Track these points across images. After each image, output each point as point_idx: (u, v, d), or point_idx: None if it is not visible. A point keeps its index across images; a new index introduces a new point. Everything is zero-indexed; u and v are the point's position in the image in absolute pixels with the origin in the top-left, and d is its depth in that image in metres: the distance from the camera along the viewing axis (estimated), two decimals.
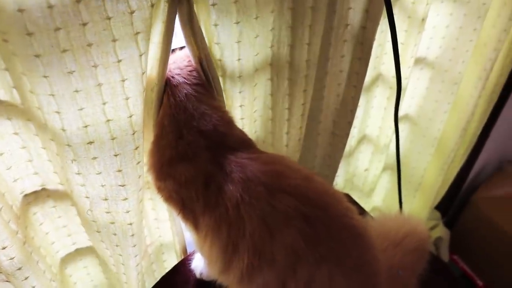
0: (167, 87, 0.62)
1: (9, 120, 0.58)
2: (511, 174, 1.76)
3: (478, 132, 1.42)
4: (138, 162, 0.63)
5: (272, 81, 0.76)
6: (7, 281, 0.64)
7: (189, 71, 0.64)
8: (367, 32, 0.81)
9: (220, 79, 0.69)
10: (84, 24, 0.47)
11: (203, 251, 0.64)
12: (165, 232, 0.89)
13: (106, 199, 0.64)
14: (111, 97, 0.54)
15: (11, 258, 0.62)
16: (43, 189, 0.68)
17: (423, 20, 0.91)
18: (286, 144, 0.86)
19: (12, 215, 0.62)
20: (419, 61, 1.08)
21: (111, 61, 0.52)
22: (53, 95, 0.51)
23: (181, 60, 0.65)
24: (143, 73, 0.55)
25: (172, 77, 0.62)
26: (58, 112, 0.53)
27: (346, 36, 0.81)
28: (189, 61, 0.64)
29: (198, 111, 0.61)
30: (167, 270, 0.88)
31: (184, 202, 0.61)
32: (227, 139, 0.62)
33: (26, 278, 0.66)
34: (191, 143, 0.59)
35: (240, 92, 0.72)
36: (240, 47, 0.67)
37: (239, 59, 0.68)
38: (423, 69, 1.10)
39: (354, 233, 0.60)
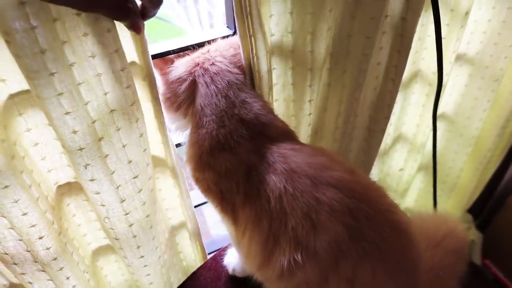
0: (205, 74, 0.61)
1: (43, 112, 0.58)
2: None
3: None
4: (144, 150, 0.63)
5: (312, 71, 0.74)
6: (42, 270, 0.64)
7: (232, 60, 0.63)
8: (407, 23, 0.78)
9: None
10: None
11: (241, 245, 0.63)
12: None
13: (123, 201, 0.64)
14: (111, 86, 0.54)
15: (47, 248, 0.62)
16: (76, 182, 0.68)
17: (467, 13, 0.87)
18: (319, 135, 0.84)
19: (48, 205, 0.62)
20: (458, 57, 1.03)
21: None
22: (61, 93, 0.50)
23: (224, 48, 0.64)
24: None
25: (213, 64, 0.61)
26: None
27: (385, 27, 0.78)
28: (233, 50, 0.64)
29: (239, 98, 0.60)
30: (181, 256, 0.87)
31: (223, 193, 0.59)
32: (269, 129, 0.60)
33: (61, 269, 0.66)
34: (233, 132, 0.58)
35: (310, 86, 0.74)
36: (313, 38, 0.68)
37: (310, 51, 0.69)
38: (462, 66, 1.06)
39: (398, 229, 0.58)
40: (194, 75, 0.62)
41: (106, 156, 0.58)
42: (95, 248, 0.77)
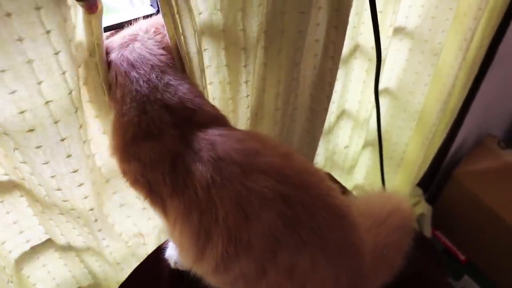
0: (123, 63, 0.55)
1: None
2: (491, 148, 1.76)
3: (459, 106, 1.39)
4: (85, 141, 0.57)
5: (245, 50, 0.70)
6: None
7: (156, 42, 0.58)
8: None
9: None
10: None
11: (174, 238, 0.59)
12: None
13: (59, 189, 0.58)
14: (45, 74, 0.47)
15: None
16: None
17: None
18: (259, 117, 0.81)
19: None
20: (398, 31, 1.03)
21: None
22: None
23: (146, 29, 0.59)
24: (70, 41, 0.49)
25: (132, 49, 0.56)
26: None
27: (320, 3, 0.75)
28: (156, 30, 0.59)
29: (162, 82, 0.55)
30: None
31: (151, 185, 0.55)
32: (196, 115, 0.56)
33: None
34: (156, 119, 0.53)
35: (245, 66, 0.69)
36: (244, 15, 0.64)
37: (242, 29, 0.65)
38: (402, 40, 1.05)
39: (338, 214, 0.56)
40: (112, 63, 0.56)
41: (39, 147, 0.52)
42: (17, 256, 0.70)
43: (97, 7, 0.48)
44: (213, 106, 0.60)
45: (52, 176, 0.56)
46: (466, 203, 1.70)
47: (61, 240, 0.71)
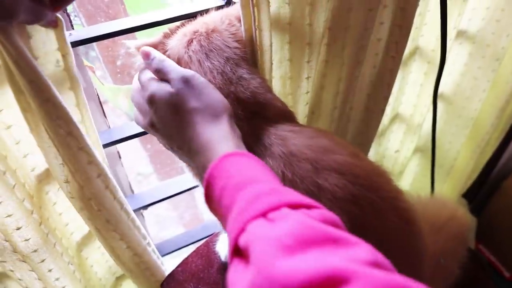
0: (200, 51, 0.56)
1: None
2: None
3: None
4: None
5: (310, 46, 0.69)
6: (23, 261, 0.60)
7: (230, 33, 0.58)
8: None
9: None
10: None
11: None
12: None
13: None
14: None
15: (26, 240, 0.58)
16: None
17: None
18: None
19: (25, 193, 0.57)
20: (459, 34, 1.00)
21: None
22: None
23: (220, 20, 0.59)
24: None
25: (208, 39, 0.56)
26: None
27: (386, 1, 0.73)
28: (230, 22, 0.59)
29: (236, 74, 0.55)
30: None
31: None
32: (266, 109, 0.56)
33: (42, 261, 0.61)
34: None
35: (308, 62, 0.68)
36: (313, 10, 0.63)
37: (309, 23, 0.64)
38: (463, 43, 1.02)
39: (405, 218, 0.54)
40: (188, 52, 0.56)
41: None
42: (78, 239, 0.72)
43: (56, 23, 0.49)
44: (282, 102, 0.60)
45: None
46: None
47: None
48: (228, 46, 0.56)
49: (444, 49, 0.80)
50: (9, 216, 0.55)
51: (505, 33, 0.96)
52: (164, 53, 0.57)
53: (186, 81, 0.51)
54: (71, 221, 0.69)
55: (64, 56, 0.54)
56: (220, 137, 0.47)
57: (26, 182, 0.58)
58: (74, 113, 0.59)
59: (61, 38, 0.52)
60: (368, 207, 0.50)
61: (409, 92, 1.03)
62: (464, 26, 0.99)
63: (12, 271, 0.61)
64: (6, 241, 0.57)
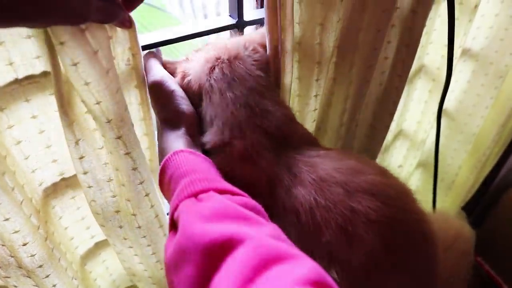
0: (222, 79, 0.55)
1: (27, 102, 0.52)
2: None
3: None
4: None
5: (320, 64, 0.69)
6: (28, 276, 0.59)
7: (254, 61, 0.57)
8: (417, 16, 0.74)
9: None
10: None
11: None
12: None
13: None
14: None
15: (32, 255, 0.57)
16: (62, 179, 0.63)
17: (476, 7, 0.84)
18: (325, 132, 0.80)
19: (32, 209, 0.57)
20: (463, 52, 1.00)
21: None
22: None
23: (243, 45, 0.58)
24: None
25: (231, 66, 0.55)
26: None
27: (394, 20, 0.74)
28: (254, 48, 0.58)
29: (260, 107, 0.54)
30: None
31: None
32: (291, 139, 0.55)
33: (47, 276, 0.60)
34: (254, 144, 0.52)
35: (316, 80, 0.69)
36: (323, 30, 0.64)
37: (319, 43, 0.64)
38: (466, 61, 1.03)
39: (429, 241, 0.54)
40: (210, 80, 0.55)
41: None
42: (82, 253, 0.72)
43: (130, 23, 0.50)
44: (303, 128, 0.59)
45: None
46: None
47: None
48: (251, 75, 0.55)
49: (451, 67, 0.81)
50: (16, 232, 0.54)
51: (508, 51, 0.97)
52: (184, 77, 0.57)
53: (156, 86, 0.56)
54: (76, 235, 0.69)
55: (134, 55, 0.55)
56: (174, 140, 0.54)
57: (33, 197, 0.58)
58: (137, 111, 0.60)
59: (133, 38, 0.53)
60: (400, 230, 0.50)
61: (414, 109, 1.03)
62: (468, 44, 1.00)
63: (15, 287, 0.60)
64: (12, 256, 0.56)
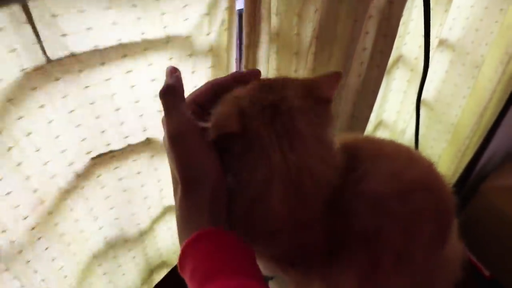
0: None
1: (34, 91, 0.50)
2: None
3: (493, 119, 1.38)
4: None
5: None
6: (5, 270, 0.58)
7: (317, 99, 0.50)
8: (394, 7, 0.76)
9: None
10: None
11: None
12: None
13: None
14: None
15: (12, 241, 0.56)
16: (73, 171, 0.61)
17: None
18: None
19: (28, 200, 0.55)
20: (440, 43, 1.02)
21: None
22: None
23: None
24: None
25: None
26: None
27: (372, 11, 0.75)
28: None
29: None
30: None
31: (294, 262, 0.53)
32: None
33: (27, 262, 0.59)
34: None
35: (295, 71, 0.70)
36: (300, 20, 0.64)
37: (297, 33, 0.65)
38: (444, 51, 1.05)
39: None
40: None
41: None
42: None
43: None
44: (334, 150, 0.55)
45: None
46: (492, 218, 1.67)
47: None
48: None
49: (428, 57, 0.82)
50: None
51: (484, 41, 1.00)
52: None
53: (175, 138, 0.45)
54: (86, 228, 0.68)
55: None
56: (197, 208, 0.45)
57: (41, 189, 0.57)
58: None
59: None
60: (447, 215, 0.52)
61: (393, 99, 1.05)
62: (445, 35, 1.02)
63: None
64: None
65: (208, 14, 0.58)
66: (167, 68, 0.46)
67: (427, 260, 0.53)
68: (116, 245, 0.73)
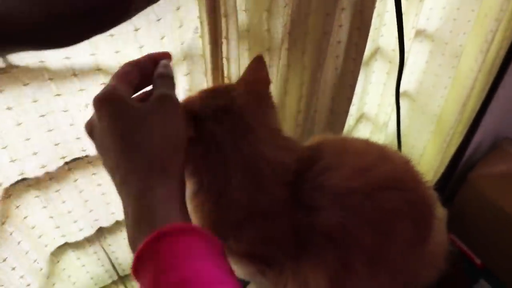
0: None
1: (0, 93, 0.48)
2: (508, 151, 1.73)
3: (477, 108, 1.37)
4: None
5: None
6: None
7: (259, 91, 0.55)
8: None
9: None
10: None
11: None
12: None
13: None
14: None
15: None
16: (46, 173, 0.60)
17: None
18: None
19: None
20: (418, 33, 1.02)
21: None
22: None
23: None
24: None
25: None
26: None
27: (344, 4, 0.74)
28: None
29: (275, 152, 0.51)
30: None
31: (267, 258, 0.52)
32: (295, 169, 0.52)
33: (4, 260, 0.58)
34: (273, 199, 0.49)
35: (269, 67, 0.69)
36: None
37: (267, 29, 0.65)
38: (423, 42, 1.04)
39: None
40: None
41: None
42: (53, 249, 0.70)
43: None
44: (293, 144, 0.55)
45: None
46: (481, 207, 1.68)
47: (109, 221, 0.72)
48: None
49: (402, 48, 0.82)
50: None
51: (462, 31, 0.99)
52: None
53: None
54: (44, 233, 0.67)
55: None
56: (162, 194, 0.38)
57: (5, 182, 0.55)
58: None
59: None
60: (419, 206, 0.53)
61: (373, 92, 1.04)
62: (423, 25, 1.01)
63: None
64: None
65: (181, 26, 0.57)
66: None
67: (407, 258, 0.52)
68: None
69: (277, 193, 0.48)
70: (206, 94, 0.52)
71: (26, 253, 0.61)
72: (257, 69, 0.55)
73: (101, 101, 0.40)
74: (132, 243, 0.38)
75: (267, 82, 0.55)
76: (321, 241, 0.48)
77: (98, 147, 0.42)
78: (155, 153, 0.39)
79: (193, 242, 0.36)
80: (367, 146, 0.57)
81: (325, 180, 0.49)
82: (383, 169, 0.51)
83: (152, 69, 0.46)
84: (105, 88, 0.41)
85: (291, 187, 0.49)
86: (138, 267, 0.36)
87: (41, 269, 0.65)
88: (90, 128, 0.42)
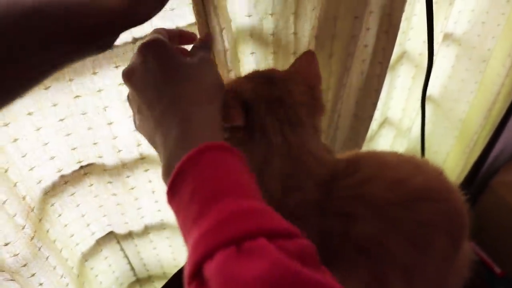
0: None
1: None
2: None
3: (502, 114, 1.35)
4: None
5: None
6: (11, 279, 0.59)
7: (313, 87, 0.53)
8: (395, 2, 0.74)
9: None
10: None
11: None
12: None
13: None
14: None
15: (15, 255, 0.57)
16: (61, 176, 0.62)
17: None
18: None
19: (20, 207, 0.56)
20: (445, 37, 1.00)
21: None
22: None
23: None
24: None
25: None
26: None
27: (372, 7, 0.74)
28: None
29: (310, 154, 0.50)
30: None
31: None
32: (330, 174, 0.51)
33: (32, 275, 0.60)
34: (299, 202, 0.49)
35: None
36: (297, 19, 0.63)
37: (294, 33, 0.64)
38: (449, 46, 1.03)
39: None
40: None
41: None
42: (84, 250, 0.71)
43: None
44: (326, 150, 0.54)
45: None
46: (503, 214, 1.65)
47: (122, 229, 0.73)
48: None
49: (432, 52, 0.81)
50: None
51: (490, 35, 0.97)
52: None
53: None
54: (76, 232, 0.68)
55: None
56: (205, 121, 0.41)
57: (28, 195, 0.57)
58: None
59: None
60: (457, 219, 0.51)
61: (398, 97, 1.03)
62: (450, 29, 1.00)
63: None
64: None
65: None
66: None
67: (440, 271, 0.51)
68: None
69: (310, 190, 0.48)
70: (258, 80, 0.51)
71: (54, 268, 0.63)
72: (310, 62, 0.55)
73: (149, 45, 0.43)
74: (168, 168, 0.39)
75: (320, 77, 0.55)
76: (355, 255, 0.48)
77: (137, 86, 0.43)
78: (199, 87, 0.43)
79: (229, 157, 0.38)
80: (398, 157, 0.57)
81: (365, 190, 0.49)
82: (418, 180, 0.50)
83: (176, 41, 0.50)
84: (149, 37, 0.44)
85: (324, 191, 0.48)
86: (177, 182, 0.36)
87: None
88: (130, 74, 0.44)
